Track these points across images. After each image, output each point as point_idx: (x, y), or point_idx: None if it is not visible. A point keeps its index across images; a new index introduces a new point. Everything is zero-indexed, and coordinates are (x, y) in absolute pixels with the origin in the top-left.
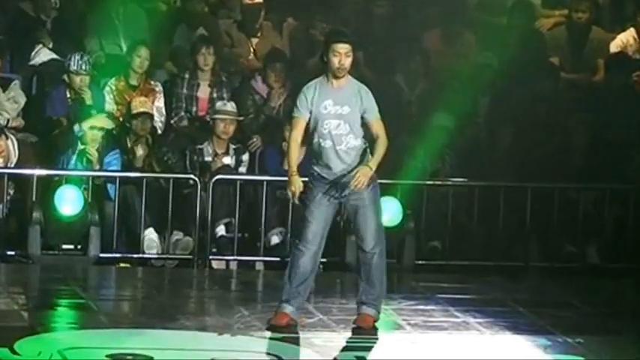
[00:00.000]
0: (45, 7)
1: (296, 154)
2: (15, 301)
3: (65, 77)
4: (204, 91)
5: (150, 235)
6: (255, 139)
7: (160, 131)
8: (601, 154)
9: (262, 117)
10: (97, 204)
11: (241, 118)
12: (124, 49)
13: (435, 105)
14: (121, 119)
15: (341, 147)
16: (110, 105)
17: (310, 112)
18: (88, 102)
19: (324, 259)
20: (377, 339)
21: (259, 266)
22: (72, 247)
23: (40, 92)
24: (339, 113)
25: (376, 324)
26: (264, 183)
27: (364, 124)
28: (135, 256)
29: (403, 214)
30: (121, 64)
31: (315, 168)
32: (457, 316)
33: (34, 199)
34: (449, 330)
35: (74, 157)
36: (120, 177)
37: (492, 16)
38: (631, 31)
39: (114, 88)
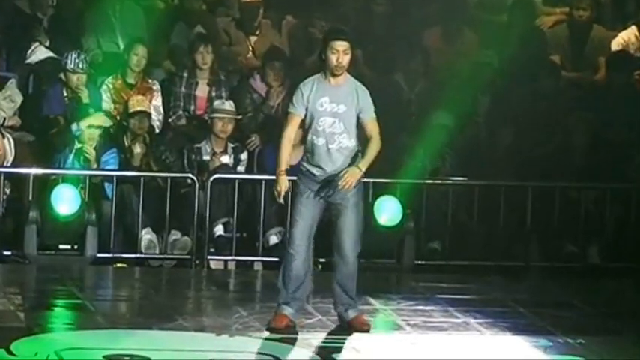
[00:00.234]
0: (41, 4)
1: (287, 152)
2: (11, 302)
3: (62, 76)
4: (202, 90)
5: (147, 234)
6: (253, 138)
7: (157, 130)
8: (602, 154)
9: (261, 116)
10: (94, 203)
11: (240, 117)
12: (122, 47)
13: (434, 104)
14: (118, 118)
15: (333, 146)
16: (107, 103)
17: (306, 109)
18: (85, 100)
19: (322, 259)
20: (376, 339)
21: (258, 266)
22: (69, 246)
23: (37, 91)
24: (334, 111)
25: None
26: (263, 182)
27: (359, 125)
28: (132, 256)
29: (403, 214)
30: (119, 62)
31: (306, 165)
32: (457, 317)
33: (30, 198)
34: (449, 330)
35: (71, 156)
36: (117, 176)
37: (493, 14)
38: (632, 29)
39: (111, 86)
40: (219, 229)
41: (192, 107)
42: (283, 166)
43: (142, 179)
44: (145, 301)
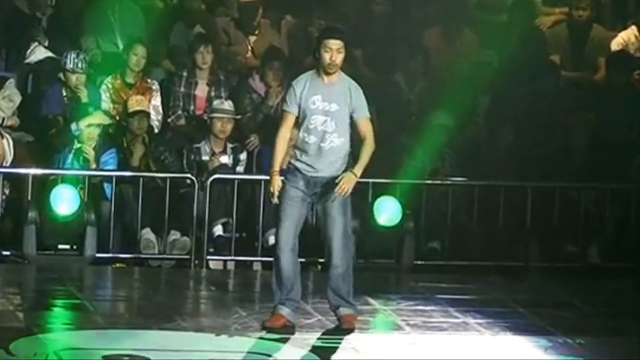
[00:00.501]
0: (40, 4)
1: (281, 152)
2: (10, 302)
3: (61, 75)
4: (201, 90)
5: (147, 235)
6: (252, 138)
7: (156, 130)
8: (602, 154)
9: (260, 116)
10: (93, 203)
11: (239, 117)
12: (121, 47)
13: (434, 104)
14: (117, 118)
15: (324, 144)
16: (106, 103)
17: (299, 107)
18: (85, 100)
19: (321, 260)
20: (376, 340)
21: (257, 266)
22: (68, 247)
23: (36, 91)
24: (326, 110)
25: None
26: (262, 182)
27: (352, 124)
28: (131, 256)
29: (402, 214)
30: (118, 62)
31: (294, 162)
32: (457, 317)
33: (29, 198)
34: (448, 331)
35: (70, 156)
36: (116, 176)
37: (492, 14)
38: (632, 29)
39: (110, 86)
40: (218, 230)
41: (191, 107)
42: (277, 166)
43: (141, 179)
44: (144, 302)
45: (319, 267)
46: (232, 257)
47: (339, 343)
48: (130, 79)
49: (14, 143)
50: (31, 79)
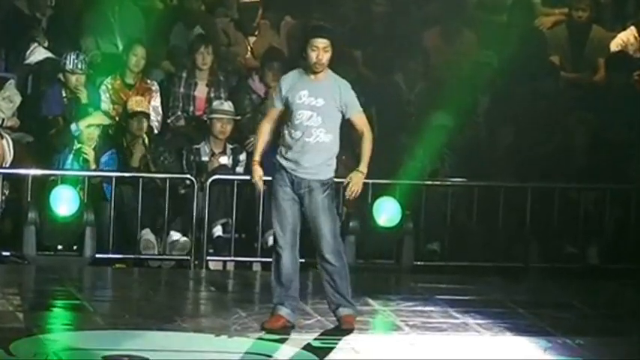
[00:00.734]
0: (40, 5)
1: (262, 143)
2: (10, 302)
3: (61, 76)
4: (201, 91)
5: (146, 235)
6: (252, 139)
7: (156, 131)
8: (602, 154)
9: (260, 116)
10: (92, 204)
11: (238, 118)
12: (120, 47)
13: (434, 104)
14: (116, 118)
15: (310, 139)
16: (106, 104)
17: (285, 102)
18: (84, 101)
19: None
20: (375, 340)
21: (256, 267)
22: (67, 247)
23: (36, 91)
24: (312, 105)
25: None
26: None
27: (348, 122)
28: (131, 256)
29: (402, 215)
30: (117, 62)
31: (280, 159)
32: (456, 317)
33: (29, 199)
34: (448, 331)
35: (70, 157)
36: (116, 177)
37: (492, 15)
38: (632, 30)
39: (110, 87)
40: (218, 230)
41: (191, 108)
42: (257, 156)
43: (140, 180)
44: (144, 302)
45: (319, 267)
46: (232, 258)
47: (339, 343)
48: (129, 80)
49: (14, 144)
50: (30, 80)
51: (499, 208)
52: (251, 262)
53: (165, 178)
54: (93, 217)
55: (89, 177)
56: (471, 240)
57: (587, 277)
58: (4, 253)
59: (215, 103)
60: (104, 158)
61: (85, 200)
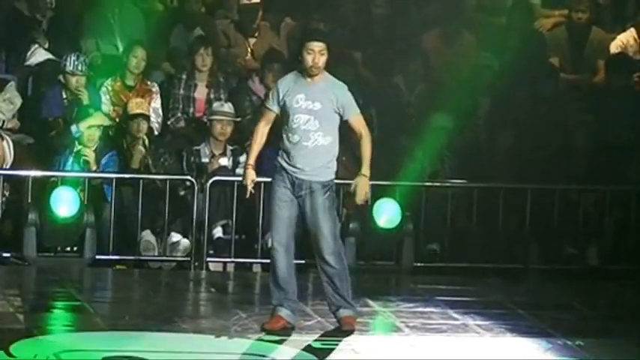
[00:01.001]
0: (40, 7)
1: (257, 146)
2: (11, 304)
3: (61, 78)
4: (201, 92)
5: (147, 237)
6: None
7: (156, 132)
8: (602, 156)
9: (259, 117)
10: (93, 206)
11: (238, 119)
12: (120, 49)
13: (434, 106)
14: (117, 120)
15: (308, 143)
16: (106, 106)
17: (281, 106)
18: (85, 102)
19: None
20: (375, 341)
21: (256, 268)
22: (68, 248)
23: (36, 93)
24: (309, 108)
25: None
26: (262, 184)
27: (342, 124)
28: (131, 258)
29: (402, 216)
30: (118, 64)
31: (280, 162)
32: (456, 319)
33: (29, 200)
34: (448, 332)
35: (71, 159)
36: (116, 178)
37: (492, 17)
38: (631, 32)
39: (110, 88)
40: (218, 231)
41: (191, 109)
42: (251, 160)
43: (140, 181)
44: (144, 303)
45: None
46: (232, 259)
47: (339, 344)
48: (129, 82)
49: (14, 145)
50: (31, 82)
51: (499, 210)
52: (251, 263)
53: (165, 180)
54: (93, 218)
55: (89, 178)
56: (470, 241)
57: (587, 279)
58: (5, 255)
59: (215, 105)
60: (104, 160)
61: (86, 202)
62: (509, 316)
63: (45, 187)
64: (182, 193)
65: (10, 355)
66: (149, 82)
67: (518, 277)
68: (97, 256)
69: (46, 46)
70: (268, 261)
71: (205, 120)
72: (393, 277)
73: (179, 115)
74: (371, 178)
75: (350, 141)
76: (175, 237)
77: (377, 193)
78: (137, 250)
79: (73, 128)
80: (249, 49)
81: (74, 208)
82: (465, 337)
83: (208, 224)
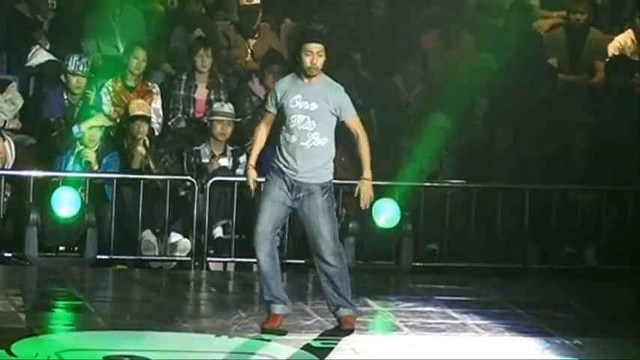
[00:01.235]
0: (42, 8)
1: (258, 146)
2: (12, 303)
3: (62, 77)
4: (201, 93)
5: (147, 236)
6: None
7: (157, 133)
8: (600, 156)
9: (259, 118)
10: (94, 206)
11: (239, 120)
12: (121, 50)
13: (433, 106)
14: (117, 120)
15: (305, 144)
16: (107, 106)
17: (279, 107)
18: (85, 103)
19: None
20: (375, 341)
21: (256, 268)
22: (69, 248)
23: (38, 94)
24: (306, 109)
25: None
26: (262, 185)
27: (343, 125)
28: (132, 257)
29: (401, 216)
30: (118, 65)
31: (278, 163)
32: (455, 318)
33: (30, 200)
34: (446, 332)
35: (72, 159)
36: (117, 179)
37: (490, 18)
38: (629, 33)
39: (111, 89)
40: (218, 231)
41: (191, 110)
42: (252, 160)
43: (141, 182)
44: (145, 303)
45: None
46: (232, 259)
47: (338, 344)
48: (130, 82)
49: (16, 146)
50: (32, 82)
51: (498, 210)
52: (251, 263)
53: (165, 180)
54: (94, 218)
55: (90, 179)
56: (469, 241)
57: (585, 278)
58: (6, 255)
59: (215, 106)
60: (105, 160)
61: (87, 202)
62: (507, 315)
63: (46, 188)
64: (182, 193)
65: (11, 354)
66: (149, 83)
67: (517, 276)
68: (98, 256)
69: (47, 47)
70: None
71: (205, 120)
72: (393, 277)
73: (179, 115)
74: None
75: (349, 142)
76: (176, 237)
77: (376, 193)
78: (138, 250)
79: (75, 129)
80: (249, 50)
81: (75, 208)
82: (464, 337)
83: (209, 224)
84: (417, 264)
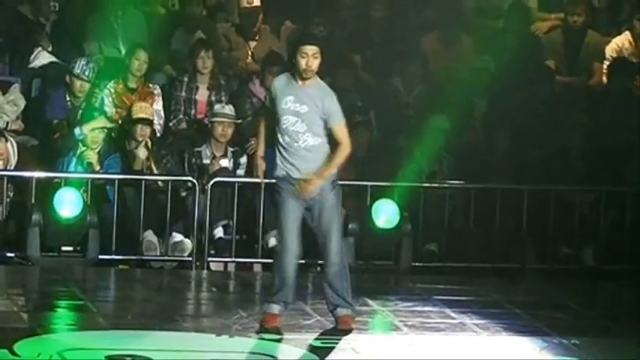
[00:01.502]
0: (44, 10)
1: (264, 138)
2: (14, 303)
3: (67, 79)
4: (202, 94)
5: (149, 237)
6: (252, 142)
7: (158, 134)
8: (598, 157)
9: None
10: (96, 206)
11: (239, 121)
12: (123, 52)
13: (432, 108)
14: (119, 122)
15: (299, 144)
16: (109, 108)
17: (274, 106)
18: (87, 106)
19: (321, 261)
20: (374, 340)
21: (257, 268)
22: (71, 248)
23: (42, 95)
24: (297, 111)
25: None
26: (262, 185)
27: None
28: (133, 257)
29: (400, 217)
30: (120, 67)
31: (280, 166)
32: (454, 318)
33: (33, 201)
34: (445, 331)
35: (74, 160)
36: (119, 179)
37: (489, 20)
38: (626, 35)
39: (113, 91)
40: (219, 232)
41: (192, 111)
42: (260, 151)
43: (143, 182)
44: (146, 303)
45: (318, 268)
46: (233, 259)
47: (338, 343)
48: (132, 84)
49: (18, 147)
50: (36, 84)
51: (496, 211)
52: (252, 263)
53: (167, 181)
54: (96, 219)
55: (92, 179)
56: (468, 241)
57: (583, 278)
58: (9, 255)
59: (216, 107)
60: (108, 161)
61: (89, 202)
62: (506, 315)
63: (48, 188)
64: (184, 194)
65: (14, 353)
66: (151, 85)
67: (515, 276)
68: (100, 256)
69: (50, 49)
70: (269, 261)
71: (206, 122)
72: (392, 277)
73: (181, 116)
74: (370, 179)
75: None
76: (177, 237)
77: (376, 193)
78: (139, 250)
79: (76, 131)
80: (249, 52)
81: (77, 208)
82: (463, 336)
83: (209, 224)
84: (417, 264)
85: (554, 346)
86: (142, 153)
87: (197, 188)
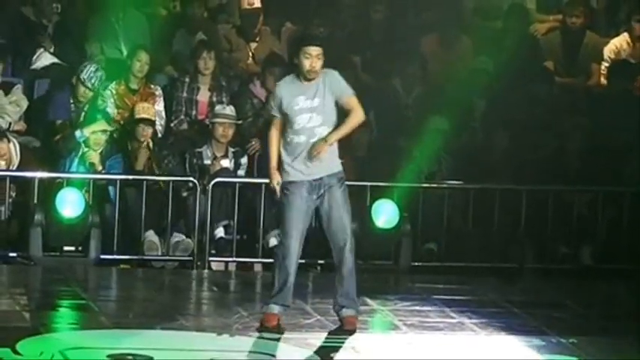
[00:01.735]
0: (46, 11)
1: (276, 149)
2: (17, 302)
3: (74, 80)
4: (203, 95)
5: (150, 237)
6: (253, 143)
7: (160, 134)
8: (596, 157)
9: (261, 120)
10: (97, 206)
11: (240, 122)
12: (125, 53)
13: (431, 108)
14: (121, 123)
15: (315, 140)
16: (111, 109)
17: (283, 110)
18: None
19: (322, 261)
20: (374, 339)
21: (258, 267)
22: (73, 248)
23: (46, 95)
24: (310, 107)
25: (373, 324)
26: (263, 186)
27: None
28: (135, 257)
29: (399, 217)
30: (122, 68)
31: (289, 169)
32: (453, 317)
33: (35, 201)
34: (444, 330)
35: (77, 160)
36: (120, 180)
37: (488, 21)
38: (624, 36)
39: (114, 92)
40: (220, 232)
41: (193, 112)
42: (274, 162)
43: (144, 182)
44: (148, 302)
45: (319, 268)
46: (234, 259)
47: (338, 342)
48: (133, 85)
49: (21, 147)
50: (39, 85)
51: (495, 211)
52: (252, 262)
53: (168, 181)
54: (98, 219)
55: (94, 180)
56: (467, 241)
57: (580, 278)
58: (11, 254)
59: (217, 108)
60: (109, 162)
61: (90, 202)
62: (504, 314)
63: (51, 189)
64: (185, 194)
65: (16, 352)
66: (152, 86)
67: (514, 276)
68: (102, 256)
69: (52, 50)
70: (269, 260)
71: (208, 122)
72: (392, 277)
73: (182, 117)
74: (369, 179)
75: (350, 142)
76: (178, 237)
77: (375, 193)
78: (141, 250)
79: (77, 133)
80: (250, 53)
81: (79, 208)
82: (462, 335)
83: (210, 224)
84: (416, 264)
85: (552, 345)
86: (143, 154)
87: (198, 188)
